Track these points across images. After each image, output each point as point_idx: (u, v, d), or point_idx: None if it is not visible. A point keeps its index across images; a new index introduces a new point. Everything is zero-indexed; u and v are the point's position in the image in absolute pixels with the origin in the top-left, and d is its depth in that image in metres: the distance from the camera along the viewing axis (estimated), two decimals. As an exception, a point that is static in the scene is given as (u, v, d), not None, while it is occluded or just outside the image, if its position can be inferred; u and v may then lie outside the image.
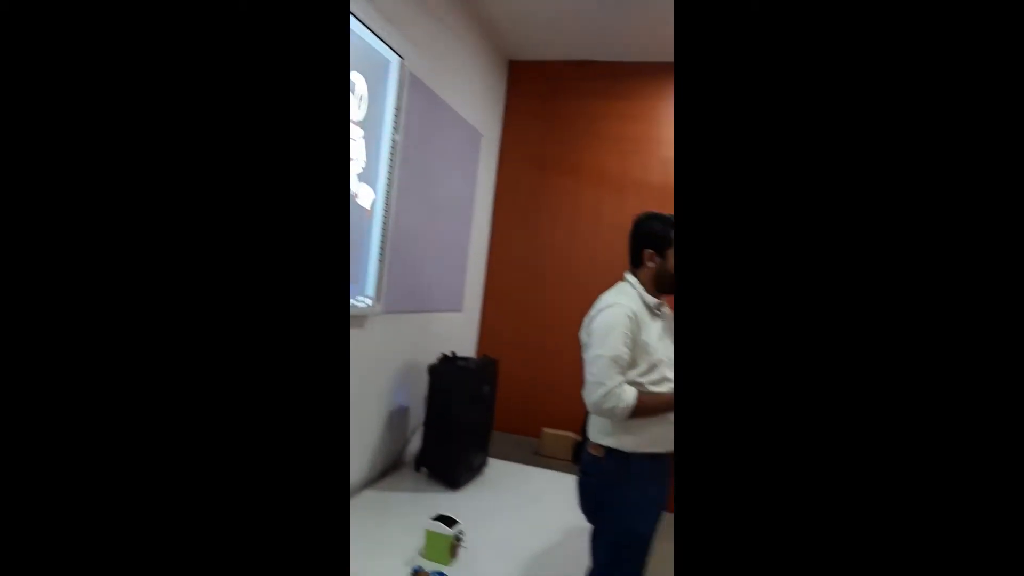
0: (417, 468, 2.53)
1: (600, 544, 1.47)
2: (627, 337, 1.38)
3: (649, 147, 3.29)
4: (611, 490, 1.43)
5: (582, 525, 1.56)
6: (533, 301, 3.43)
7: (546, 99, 3.47)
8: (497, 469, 2.75)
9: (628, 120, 3.33)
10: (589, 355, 1.42)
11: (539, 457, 3.04)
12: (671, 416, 1.43)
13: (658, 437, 1.42)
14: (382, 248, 2.24)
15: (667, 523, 1.66)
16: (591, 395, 1.38)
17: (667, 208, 1.56)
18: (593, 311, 1.48)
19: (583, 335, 1.49)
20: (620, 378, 1.37)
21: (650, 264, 1.48)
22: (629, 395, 1.36)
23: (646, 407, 1.37)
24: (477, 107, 3.15)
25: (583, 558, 1.53)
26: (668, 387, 1.43)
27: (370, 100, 2.06)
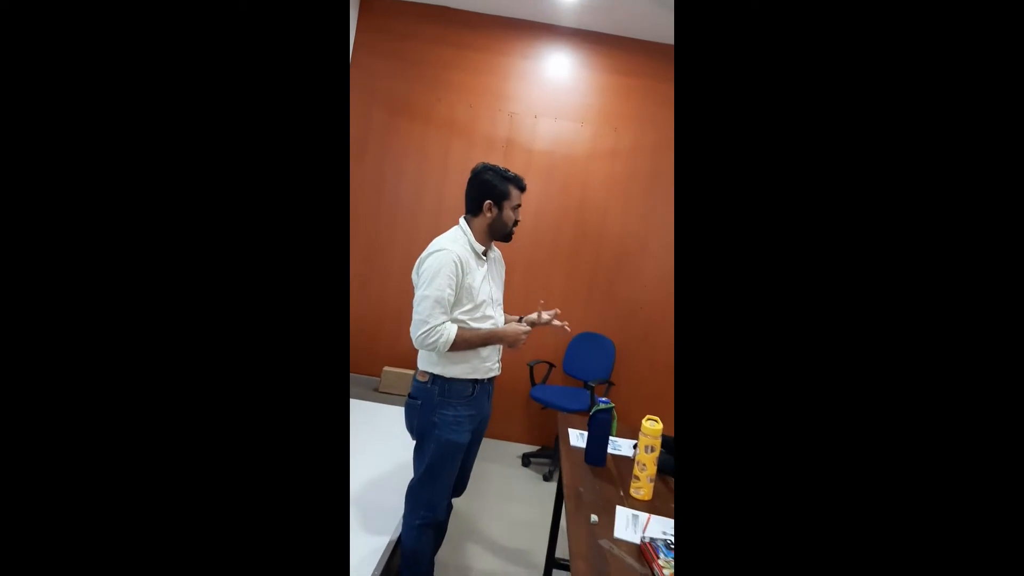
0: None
1: (421, 456, 1.66)
2: (452, 279, 1.54)
3: (496, 102, 3.42)
4: (434, 409, 1.61)
5: (410, 455, 1.71)
6: (378, 242, 3.47)
7: (397, 40, 3.42)
8: (335, 405, 2.81)
9: (479, 73, 3.42)
10: (416, 295, 1.57)
11: (379, 394, 3.17)
12: (487, 350, 1.66)
13: (477, 366, 1.65)
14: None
15: (485, 445, 1.89)
16: (415, 331, 1.55)
17: (509, 161, 1.70)
18: (424, 254, 1.61)
19: (414, 276, 1.62)
20: (443, 317, 1.54)
21: (488, 214, 1.63)
22: (450, 332, 1.54)
23: (465, 342, 1.57)
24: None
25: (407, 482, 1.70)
26: (490, 323, 1.65)
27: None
